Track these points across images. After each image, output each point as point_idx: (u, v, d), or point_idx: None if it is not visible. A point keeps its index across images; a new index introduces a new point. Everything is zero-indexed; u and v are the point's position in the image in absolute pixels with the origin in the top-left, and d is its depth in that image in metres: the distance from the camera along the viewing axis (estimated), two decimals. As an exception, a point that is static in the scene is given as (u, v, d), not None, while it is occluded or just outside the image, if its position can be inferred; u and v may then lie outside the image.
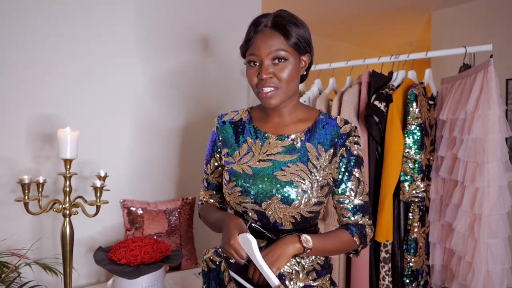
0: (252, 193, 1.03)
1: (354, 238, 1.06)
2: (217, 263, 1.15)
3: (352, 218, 1.09)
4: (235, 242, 0.94)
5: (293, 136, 1.07)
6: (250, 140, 1.10)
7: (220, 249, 1.16)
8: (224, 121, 1.17)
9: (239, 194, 1.05)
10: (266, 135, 1.09)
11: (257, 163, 1.06)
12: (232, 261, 1.01)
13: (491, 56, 1.64)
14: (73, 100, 1.90)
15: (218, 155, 1.17)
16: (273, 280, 0.93)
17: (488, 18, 3.57)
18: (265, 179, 1.03)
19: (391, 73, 2.02)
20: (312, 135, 1.08)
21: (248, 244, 0.93)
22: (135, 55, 2.09)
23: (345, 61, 2.14)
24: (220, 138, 1.16)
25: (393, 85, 1.91)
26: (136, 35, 2.09)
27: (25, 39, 1.78)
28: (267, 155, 1.06)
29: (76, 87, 1.91)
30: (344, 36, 4.80)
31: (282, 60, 1.01)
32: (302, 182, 1.01)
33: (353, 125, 1.10)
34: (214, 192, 1.23)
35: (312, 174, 1.03)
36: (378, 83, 1.95)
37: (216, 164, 1.18)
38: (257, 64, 1.03)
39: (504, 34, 3.42)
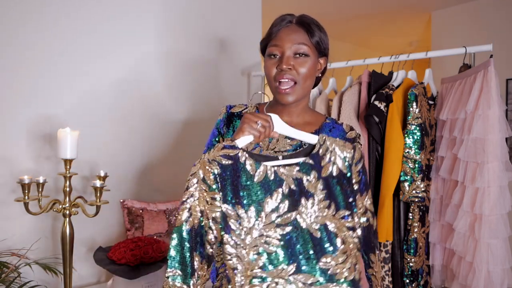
0: None
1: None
2: (235, 156, 0.92)
3: None
4: (256, 114, 0.94)
5: None
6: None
7: (230, 142, 0.94)
8: (232, 112, 1.17)
9: None
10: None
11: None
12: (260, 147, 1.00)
13: (491, 56, 1.63)
14: (73, 100, 1.90)
15: (222, 140, 1.15)
16: (313, 138, 0.97)
17: (488, 18, 3.57)
18: None
19: (391, 73, 2.02)
20: None
21: (274, 119, 0.97)
22: (137, 56, 2.09)
23: (345, 61, 2.14)
24: (227, 127, 1.15)
25: (393, 85, 1.91)
26: (140, 35, 2.09)
27: (25, 38, 1.78)
28: (275, 152, 1.08)
29: (76, 87, 1.91)
30: (344, 36, 4.80)
31: (303, 55, 1.03)
32: None
33: (357, 132, 1.15)
34: None
35: None
36: (378, 83, 1.95)
37: None
38: (278, 56, 1.04)
39: (504, 34, 3.42)
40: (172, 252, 0.89)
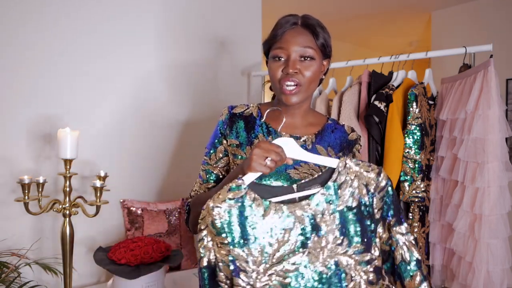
0: None
1: None
2: (241, 198, 0.90)
3: None
4: (269, 142, 0.90)
5: (304, 138, 1.09)
6: (262, 136, 1.10)
7: (237, 180, 0.91)
8: (234, 113, 1.15)
9: None
10: (279, 133, 1.09)
11: None
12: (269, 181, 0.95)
13: (491, 56, 1.63)
14: (73, 100, 1.90)
15: (226, 142, 1.13)
16: (332, 162, 0.92)
17: (488, 18, 3.57)
18: (279, 175, 1.04)
19: (391, 73, 2.02)
20: (322, 138, 1.10)
21: (287, 144, 0.91)
22: (137, 56, 2.09)
23: (345, 61, 2.14)
24: (230, 128, 1.13)
25: (393, 85, 1.91)
26: (140, 35, 2.09)
27: (25, 38, 1.78)
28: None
29: (76, 87, 1.91)
30: (344, 36, 4.80)
31: (309, 59, 1.02)
32: None
33: (357, 133, 1.16)
34: (215, 185, 1.15)
35: None
36: (378, 83, 1.95)
37: (224, 152, 1.14)
38: (283, 59, 1.03)
39: (504, 34, 3.42)
40: None
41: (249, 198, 0.89)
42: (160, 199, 2.17)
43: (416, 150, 1.76)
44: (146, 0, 2.12)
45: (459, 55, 1.83)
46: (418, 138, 1.76)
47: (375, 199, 0.92)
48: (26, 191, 1.51)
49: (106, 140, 2.00)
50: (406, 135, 1.77)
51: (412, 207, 1.80)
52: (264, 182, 1.03)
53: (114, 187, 1.89)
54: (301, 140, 1.09)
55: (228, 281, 0.90)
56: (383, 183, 0.92)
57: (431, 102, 1.94)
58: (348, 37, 4.86)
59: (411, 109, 1.76)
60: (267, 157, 0.89)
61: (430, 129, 1.88)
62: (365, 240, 0.90)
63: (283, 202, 0.91)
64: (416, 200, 1.75)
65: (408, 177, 1.75)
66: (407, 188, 1.75)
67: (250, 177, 0.91)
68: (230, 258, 0.88)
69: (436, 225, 1.89)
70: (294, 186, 0.92)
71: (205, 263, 0.90)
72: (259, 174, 0.91)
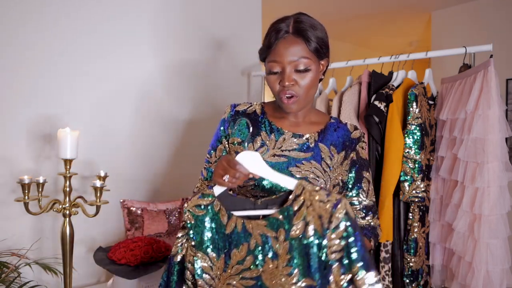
0: (266, 187, 1.04)
1: (371, 243, 1.10)
2: (207, 206, 0.95)
3: (363, 220, 1.10)
4: (229, 159, 0.92)
5: (307, 136, 1.10)
6: (264, 134, 1.11)
7: (208, 189, 0.97)
8: (237, 110, 1.16)
9: (252, 187, 1.05)
10: (281, 130, 1.10)
11: (272, 157, 1.07)
12: (233, 192, 0.99)
13: (491, 56, 1.63)
14: (73, 100, 1.90)
15: (226, 142, 1.15)
16: (290, 183, 0.90)
17: (488, 18, 3.57)
18: (281, 173, 1.04)
19: (391, 73, 2.02)
20: (325, 136, 1.11)
21: (251, 159, 0.91)
22: (137, 56, 2.09)
23: (345, 61, 2.14)
24: (232, 126, 1.14)
25: (393, 85, 1.91)
26: (140, 35, 2.09)
27: (25, 38, 1.78)
28: (282, 151, 1.07)
29: (76, 87, 1.91)
30: (344, 36, 4.80)
31: (304, 69, 1.01)
32: (316, 179, 1.04)
33: (361, 131, 1.16)
34: None
35: (326, 172, 1.06)
36: (378, 83, 1.95)
37: (224, 150, 1.16)
38: (279, 71, 1.03)
39: (504, 34, 3.42)
40: (162, 281, 0.99)
41: (215, 208, 0.94)
42: (160, 199, 2.16)
43: (416, 150, 1.76)
44: (146, 0, 2.12)
45: (459, 55, 1.83)
46: (418, 138, 1.76)
47: (329, 236, 0.82)
48: (26, 191, 1.51)
49: (106, 140, 2.00)
50: (406, 135, 1.77)
51: (412, 207, 1.80)
52: (266, 180, 1.03)
53: (114, 187, 1.89)
54: (304, 138, 1.10)
55: (193, 280, 0.95)
56: (337, 218, 0.82)
57: (431, 102, 1.94)
58: (348, 37, 4.85)
59: (411, 109, 1.76)
60: (224, 176, 0.91)
61: (430, 129, 1.88)
62: (317, 276, 0.84)
63: (249, 217, 0.92)
64: (416, 200, 1.75)
65: (408, 177, 1.75)
66: (407, 188, 1.75)
67: (218, 189, 0.95)
68: (195, 259, 0.93)
69: (436, 225, 1.89)
70: (259, 201, 0.93)
71: (179, 259, 0.97)
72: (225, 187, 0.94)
